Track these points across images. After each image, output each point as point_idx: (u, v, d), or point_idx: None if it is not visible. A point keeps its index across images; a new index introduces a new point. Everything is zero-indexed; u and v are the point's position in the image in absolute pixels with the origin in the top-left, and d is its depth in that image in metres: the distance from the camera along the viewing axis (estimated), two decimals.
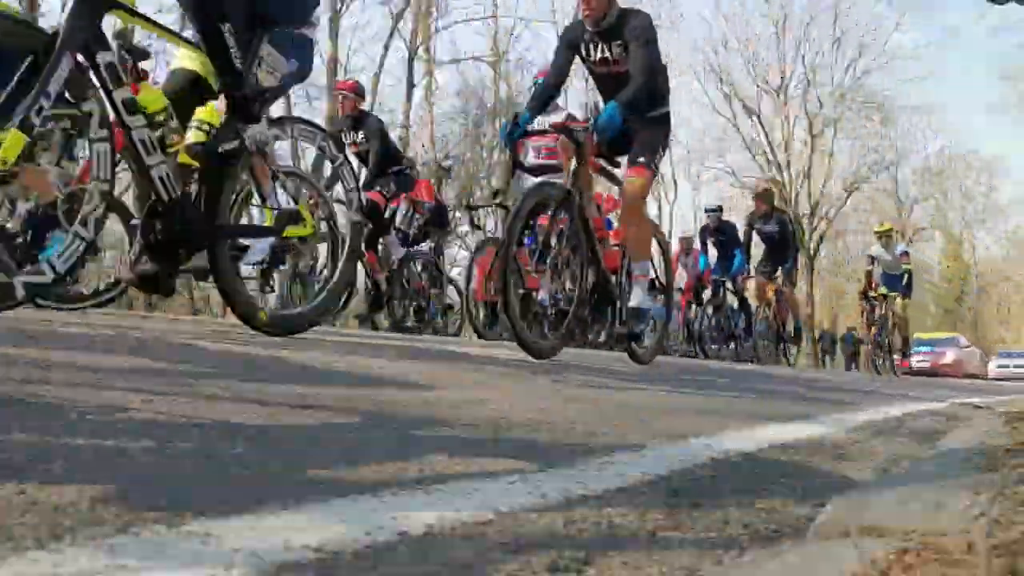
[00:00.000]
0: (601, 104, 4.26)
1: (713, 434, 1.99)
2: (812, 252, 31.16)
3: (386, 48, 21.26)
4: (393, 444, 1.36)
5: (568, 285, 3.89)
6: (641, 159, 4.01)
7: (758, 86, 32.30)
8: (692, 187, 34.48)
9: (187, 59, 4.58)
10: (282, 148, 4.27)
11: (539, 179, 5.25)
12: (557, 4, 26.84)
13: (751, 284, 10.45)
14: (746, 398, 3.37)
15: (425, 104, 22.08)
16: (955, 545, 0.81)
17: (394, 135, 21.31)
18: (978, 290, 39.77)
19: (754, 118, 32.21)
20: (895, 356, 11.64)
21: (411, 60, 21.34)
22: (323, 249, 3.62)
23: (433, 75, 22.22)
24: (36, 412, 1.25)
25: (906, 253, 11.51)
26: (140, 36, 5.53)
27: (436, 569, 0.78)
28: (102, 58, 2.46)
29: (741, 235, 10.41)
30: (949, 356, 23.15)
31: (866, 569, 0.76)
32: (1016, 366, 27.16)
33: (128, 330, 2.76)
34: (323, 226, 3.41)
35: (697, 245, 10.97)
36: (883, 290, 11.07)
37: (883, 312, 11.11)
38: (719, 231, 10.49)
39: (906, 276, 11.09)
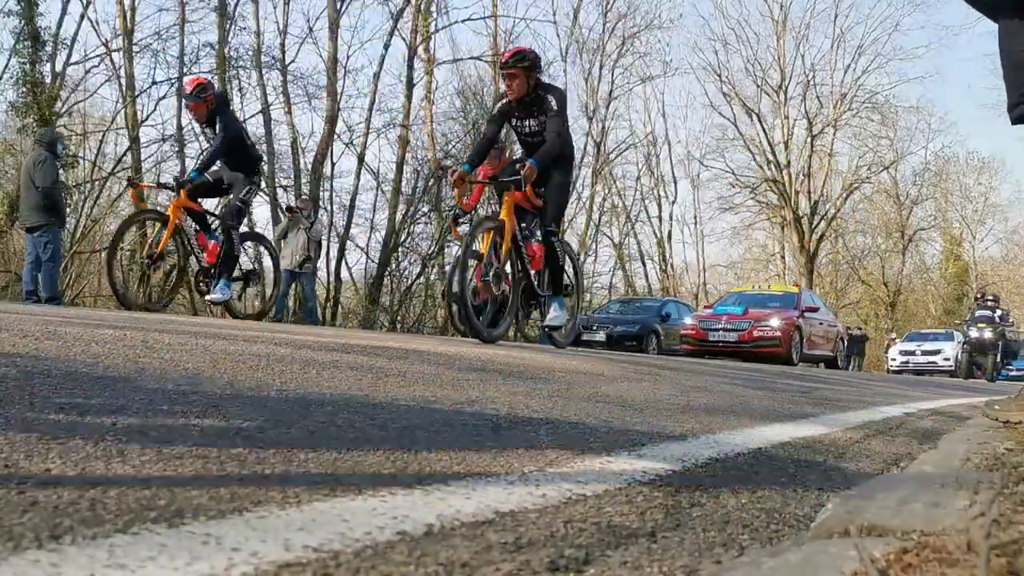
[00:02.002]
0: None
1: (713, 434, 2.00)
2: (812, 252, 31.18)
3: (386, 48, 21.22)
4: (393, 444, 1.36)
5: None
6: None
7: (758, 86, 32.33)
8: (692, 187, 34.53)
9: None
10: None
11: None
12: (557, 4, 26.84)
13: None
14: (746, 397, 3.37)
15: (425, 104, 22.04)
16: (955, 545, 0.81)
17: (393, 134, 21.40)
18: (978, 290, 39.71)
19: (754, 118, 32.24)
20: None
21: (411, 60, 21.30)
22: None
23: (433, 75, 22.18)
24: (34, 411, 1.25)
25: None
26: None
27: (436, 569, 0.78)
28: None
29: None
30: (775, 324, 13.51)
31: (866, 569, 0.76)
32: (924, 352, 20.90)
33: (126, 330, 2.76)
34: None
35: None
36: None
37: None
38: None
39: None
